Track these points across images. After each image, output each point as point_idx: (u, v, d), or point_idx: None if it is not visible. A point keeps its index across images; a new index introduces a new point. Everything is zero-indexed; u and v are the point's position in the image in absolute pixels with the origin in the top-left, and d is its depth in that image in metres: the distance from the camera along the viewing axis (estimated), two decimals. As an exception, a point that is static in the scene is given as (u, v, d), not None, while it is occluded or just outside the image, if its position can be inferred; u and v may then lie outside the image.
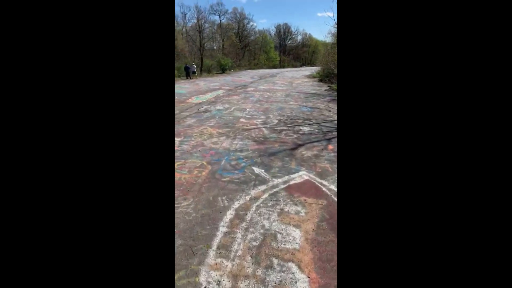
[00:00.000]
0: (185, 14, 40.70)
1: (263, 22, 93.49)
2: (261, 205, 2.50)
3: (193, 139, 4.61)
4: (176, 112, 6.97)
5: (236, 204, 2.50)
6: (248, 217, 2.28)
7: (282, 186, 2.89)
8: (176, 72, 17.72)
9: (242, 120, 6.08)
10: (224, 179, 3.06)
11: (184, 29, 27.52)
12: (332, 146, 4.15)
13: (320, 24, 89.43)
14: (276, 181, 3.02)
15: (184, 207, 2.43)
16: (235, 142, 4.46)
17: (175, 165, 3.41)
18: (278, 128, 5.30)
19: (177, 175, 3.11)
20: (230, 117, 6.35)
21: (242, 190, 2.79)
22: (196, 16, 27.19)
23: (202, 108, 7.57)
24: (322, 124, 5.77)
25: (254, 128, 5.30)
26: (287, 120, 6.09)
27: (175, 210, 2.36)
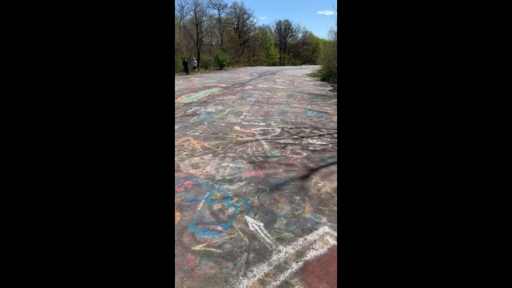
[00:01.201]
0: (182, 7, 38.95)
1: (263, 19, 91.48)
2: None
3: (167, 157, 3.34)
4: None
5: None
6: None
7: (295, 267, 1.64)
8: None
9: (236, 128, 4.81)
10: (196, 248, 1.79)
11: (181, 23, 25.97)
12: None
13: (321, 22, 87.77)
14: (283, 251, 1.75)
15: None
16: (224, 164, 3.19)
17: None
18: (282, 141, 4.04)
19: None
20: (222, 124, 5.07)
21: (225, 281, 1.54)
22: (193, 9, 25.63)
23: (190, 110, 6.28)
24: (336, 135, 4.52)
25: (251, 141, 4.05)
26: (291, 128, 4.83)
27: None
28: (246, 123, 5.14)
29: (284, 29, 47.78)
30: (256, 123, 5.18)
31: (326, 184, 2.68)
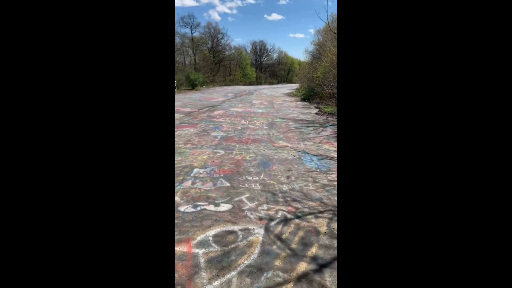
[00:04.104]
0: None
1: (238, 41, 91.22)
2: None
3: None
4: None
5: None
6: None
7: None
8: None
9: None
10: None
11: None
12: None
13: (294, 44, 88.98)
14: None
15: None
16: None
17: None
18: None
19: None
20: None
21: None
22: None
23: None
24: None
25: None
26: (287, 222, 2.19)
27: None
28: (187, 212, 2.41)
29: (260, 49, 46.47)
30: (208, 212, 2.46)
31: None
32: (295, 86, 23.76)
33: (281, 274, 1.59)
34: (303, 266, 1.65)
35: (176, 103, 10.51)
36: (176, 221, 2.15)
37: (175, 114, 7.70)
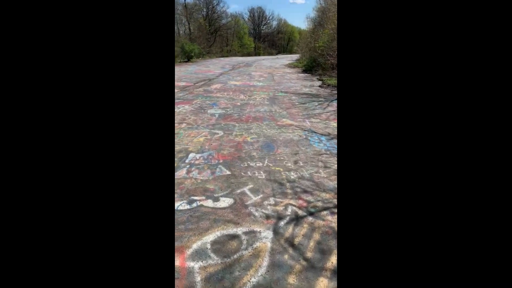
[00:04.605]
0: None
1: (234, 7, 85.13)
2: None
3: None
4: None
5: None
6: None
7: None
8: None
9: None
10: None
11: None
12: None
13: (294, 11, 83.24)
14: None
15: None
16: None
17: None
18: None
19: None
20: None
21: None
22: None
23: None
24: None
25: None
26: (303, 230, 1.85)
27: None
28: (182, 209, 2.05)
29: (258, 16, 43.42)
30: (206, 209, 2.10)
31: None
32: (295, 56, 22.43)
33: (297, 296, 1.27)
34: (323, 284, 1.33)
35: (170, 77, 9.78)
36: (167, 222, 1.81)
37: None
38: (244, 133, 3.68)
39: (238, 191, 2.21)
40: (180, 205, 2.01)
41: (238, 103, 5.59)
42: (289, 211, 1.94)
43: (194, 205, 2.01)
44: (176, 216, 1.87)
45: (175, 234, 1.69)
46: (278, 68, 15.03)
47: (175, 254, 1.51)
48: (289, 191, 2.22)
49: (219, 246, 1.59)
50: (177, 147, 3.12)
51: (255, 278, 1.36)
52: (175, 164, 2.68)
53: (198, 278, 1.36)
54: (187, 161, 2.77)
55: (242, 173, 2.51)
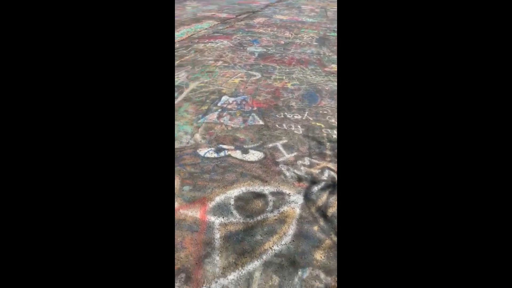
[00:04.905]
0: None
1: None
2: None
3: None
4: None
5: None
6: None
7: None
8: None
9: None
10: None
11: None
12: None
13: None
14: None
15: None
16: None
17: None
18: None
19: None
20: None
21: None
22: None
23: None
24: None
25: None
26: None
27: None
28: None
29: None
30: (234, 160, 1.93)
31: None
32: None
33: (322, 276, 1.13)
34: (354, 268, 1.16)
35: (211, 7, 8.91)
36: (192, 169, 1.71)
37: (209, 21, 6.53)
38: (284, 77, 3.24)
39: (270, 145, 1.99)
40: (207, 152, 1.89)
41: (282, 42, 4.90)
42: (325, 175, 1.70)
43: (222, 154, 1.87)
44: (202, 164, 1.76)
45: (199, 183, 1.59)
46: (335, 1, 12.69)
47: (197, 207, 1.44)
48: (328, 152, 1.93)
49: (242, 203, 1.47)
50: (210, 87, 2.89)
51: (277, 246, 1.24)
52: (207, 107, 2.49)
53: (217, 235, 1.28)
54: (219, 104, 2.55)
55: (277, 125, 2.24)
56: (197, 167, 1.73)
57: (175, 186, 1.56)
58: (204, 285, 1.07)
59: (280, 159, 1.83)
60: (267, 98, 2.70)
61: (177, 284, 1.06)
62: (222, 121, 2.28)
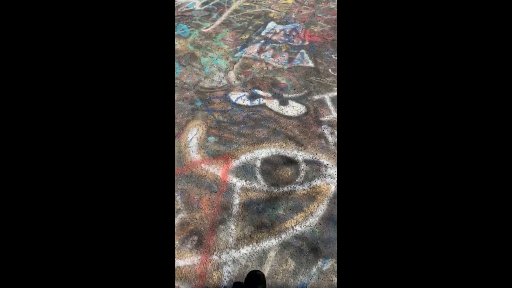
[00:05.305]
0: None
1: None
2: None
3: None
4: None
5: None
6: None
7: None
8: None
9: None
10: None
11: None
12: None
13: None
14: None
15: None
16: None
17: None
18: None
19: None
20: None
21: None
22: None
23: None
24: None
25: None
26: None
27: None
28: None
29: None
30: (268, 113, 1.59)
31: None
32: None
33: (345, 274, 0.98)
34: (387, 272, 0.98)
35: None
36: (221, 117, 1.50)
37: None
38: (353, 0, 2.45)
39: (316, 97, 1.61)
40: (240, 97, 1.62)
41: None
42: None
43: (256, 102, 1.59)
44: (231, 113, 1.53)
45: (225, 136, 1.41)
46: None
47: (219, 163, 1.29)
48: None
49: (270, 168, 1.28)
50: (255, 9, 2.34)
51: (301, 227, 1.09)
52: (247, 36, 2.06)
53: (236, 200, 1.17)
54: (263, 33, 2.08)
55: (330, 70, 1.77)
56: (226, 115, 1.52)
57: (200, 136, 1.41)
58: (215, 253, 1.02)
59: (325, 118, 1.49)
60: (324, 30, 2.11)
61: (188, 247, 1.04)
62: (262, 57, 1.88)
